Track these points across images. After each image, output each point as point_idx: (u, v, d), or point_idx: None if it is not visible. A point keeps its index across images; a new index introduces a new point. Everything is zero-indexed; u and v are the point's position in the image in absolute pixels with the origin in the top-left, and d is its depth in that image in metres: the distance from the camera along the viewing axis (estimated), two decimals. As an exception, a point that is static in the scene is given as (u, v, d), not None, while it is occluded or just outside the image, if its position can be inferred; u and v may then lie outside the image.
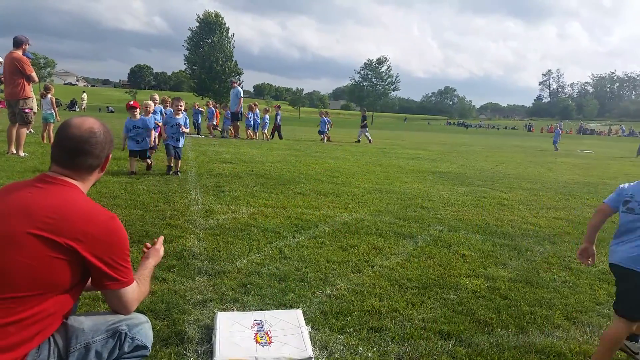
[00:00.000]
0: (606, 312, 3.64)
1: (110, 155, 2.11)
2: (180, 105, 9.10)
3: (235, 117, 19.19)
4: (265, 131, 20.22)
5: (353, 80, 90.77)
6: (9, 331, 1.65)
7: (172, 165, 8.92)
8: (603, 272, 4.56)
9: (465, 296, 3.78)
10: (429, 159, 15.83)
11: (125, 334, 1.94)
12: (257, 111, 19.78)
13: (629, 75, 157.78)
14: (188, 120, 8.80)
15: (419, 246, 5.08)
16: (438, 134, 41.62)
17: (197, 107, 21.54)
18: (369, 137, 22.85)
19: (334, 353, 2.82)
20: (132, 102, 9.18)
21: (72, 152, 1.93)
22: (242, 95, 18.99)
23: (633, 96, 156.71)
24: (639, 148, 24.82)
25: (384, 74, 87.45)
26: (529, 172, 13.18)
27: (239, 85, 20.16)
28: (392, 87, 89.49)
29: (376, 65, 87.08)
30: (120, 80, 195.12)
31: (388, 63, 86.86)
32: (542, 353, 2.95)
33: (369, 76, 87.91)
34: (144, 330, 2.03)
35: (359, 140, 22.90)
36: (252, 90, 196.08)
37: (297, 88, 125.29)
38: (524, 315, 3.48)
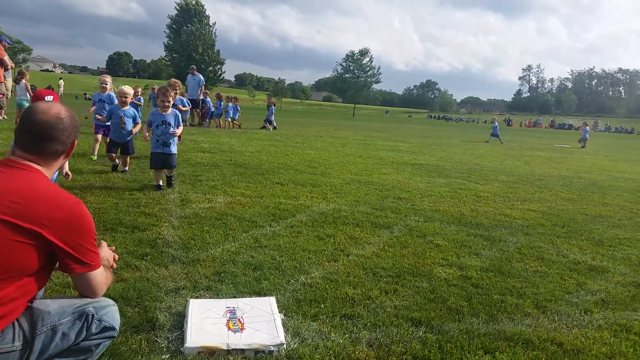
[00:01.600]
0: (575, 301, 3.73)
1: (76, 142, 2.09)
2: (169, 99, 6.60)
3: (196, 105, 18.66)
4: (236, 120, 20.11)
5: (336, 72, 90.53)
6: None
7: (160, 183, 6.54)
8: (573, 263, 4.66)
9: (438, 284, 3.83)
10: (409, 151, 15.93)
11: (93, 315, 1.95)
12: (222, 100, 20.13)
13: (606, 72, 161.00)
14: (179, 117, 6.64)
15: (395, 236, 5.13)
16: (419, 127, 41.90)
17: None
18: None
19: (306, 339, 2.83)
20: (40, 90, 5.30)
21: (38, 138, 1.92)
22: (203, 82, 18.68)
23: (610, 92, 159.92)
24: (580, 139, 26.18)
25: (365, 65, 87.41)
26: (506, 165, 13.36)
27: (224, 73, 20.75)
28: (374, 79, 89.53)
29: (358, 56, 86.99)
30: (98, 67, 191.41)
31: (370, 55, 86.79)
32: (511, 340, 3.01)
33: (351, 68, 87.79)
34: (111, 312, 2.04)
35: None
36: (233, 79, 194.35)
37: (279, 78, 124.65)
38: (495, 304, 3.54)
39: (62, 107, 2.02)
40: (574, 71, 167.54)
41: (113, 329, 2.03)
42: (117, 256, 2.42)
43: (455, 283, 3.90)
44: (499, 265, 4.42)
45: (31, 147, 1.92)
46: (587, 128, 27.83)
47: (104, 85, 8.89)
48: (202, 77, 18.45)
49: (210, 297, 3.29)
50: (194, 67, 19.42)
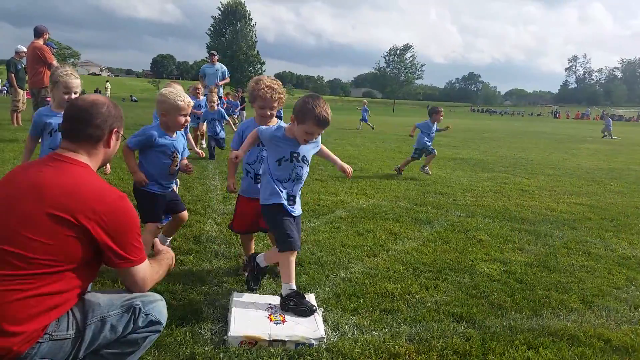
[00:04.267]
0: (624, 297, 3.60)
1: (119, 131, 2.12)
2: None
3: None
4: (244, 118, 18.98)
5: (377, 67, 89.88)
6: (29, 304, 1.74)
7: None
8: (622, 257, 4.49)
9: (480, 280, 3.77)
10: (451, 145, 15.67)
11: (140, 309, 2.00)
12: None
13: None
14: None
15: (436, 231, 5.08)
16: (462, 120, 41.07)
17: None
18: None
19: (346, 333, 2.86)
20: None
21: (73, 121, 2.01)
22: (228, 74, 13.67)
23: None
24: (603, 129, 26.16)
25: (407, 61, 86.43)
26: (552, 159, 12.95)
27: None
28: (415, 74, 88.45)
29: (401, 51, 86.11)
30: (143, 70, 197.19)
31: (413, 50, 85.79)
32: (556, 336, 2.94)
33: (394, 63, 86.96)
34: (158, 307, 2.08)
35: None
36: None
37: (318, 76, 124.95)
38: (539, 299, 3.46)
39: (101, 97, 2.12)
40: (624, 60, 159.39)
41: (159, 323, 2.08)
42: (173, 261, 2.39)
43: (499, 278, 3.83)
44: (544, 260, 4.31)
45: (69, 133, 2.01)
46: (610, 119, 28.39)
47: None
48: (225, 68, 13.42)
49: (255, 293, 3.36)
50: (215, 53, 13.84)
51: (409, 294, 3.46)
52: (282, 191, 3.05)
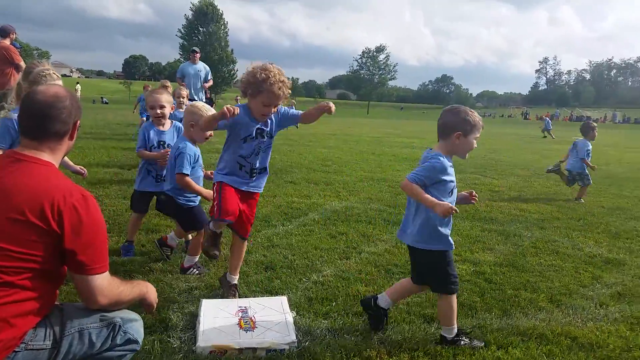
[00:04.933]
0: (590, 295, 3.68)
1: (79, 123, 2.03)
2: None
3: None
4: None
5: (351, 69, 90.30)
6: (4, 310, 1.68)
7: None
8: (589, 256, 4.59)
9: (451, 281, 3.80)
10: (424, 147, 15.80)
11: (120, 326, 1.94)
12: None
13: (626, 61, 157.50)
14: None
15: (408, 233, 5.10)
16: (434, 123, 41.65)
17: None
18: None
19: (318, 337, 2.84)
20: None
21: (38, 118, 1.88)
22: (210, 76, 11.54)
23: (630, 83, 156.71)
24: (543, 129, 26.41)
25: (381, 62, 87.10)
26: (522, 159, 13.21)
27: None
28: (389, 76, 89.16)
29: (374, 53, 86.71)
30: (114, 71, 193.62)
31: (387, 52, 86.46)
32: (524, 335, 2.98)
33: (367, 65, 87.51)
34: (136, 326, 2.03)
35: None
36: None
37: (292, 77, 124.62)
38: (508, 299, 3.51)
39: (61, 88, 1.99)
40: (592, 62, 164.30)
41: (136, 342, 2.03)
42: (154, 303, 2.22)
43: (469, 279, 3.87)
44: (512, 260, 4.38)
45: (32, 131, 1.89)
46: (548, 119, 28.83)
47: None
48: (208, 68, 11.43)
49: (222, 297, 3.32)
50: (197, 50, 11.59)
51: (380, 296, 3.46)
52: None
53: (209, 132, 3.55)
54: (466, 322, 3.12)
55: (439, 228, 2.76)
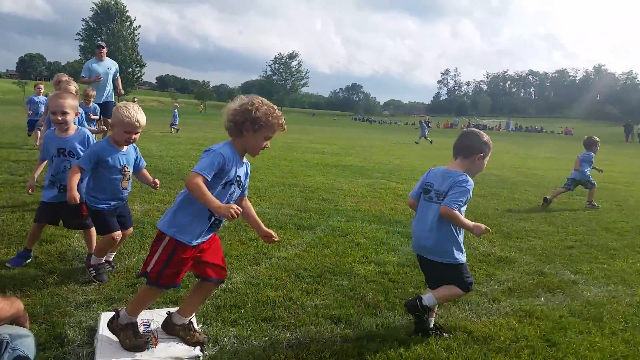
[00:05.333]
0: (484, 291, 3.97)
1: None
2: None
3: (106, 111, 10.39)
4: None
5: (264, 74, 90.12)
6: None
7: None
8: (483, 255, 4.95)
9: (357, 282, 3.93)
10: (334, 153, 16.19)
11: (7, 342, 1.86)
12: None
13: (519, 74, 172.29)
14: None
15: (318, 236, 5.20)
16: (344, 129, 42.70)
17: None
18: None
19: (225, 346, 2.80)
20: None
21: None
22: (118, 75, 10.60)
23: (522, 94, 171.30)
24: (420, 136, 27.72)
25: (294, 69, 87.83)
26: (424, 165, 13.92)
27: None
28: (301, 82, 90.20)
29: (287, 60, 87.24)
30: (7, 70, 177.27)
31: (299, 59, 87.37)
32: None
33: (280, 70, 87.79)
34: (26, 342, 1.95)
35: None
36: (155, 82, 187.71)
37: (203, 81, 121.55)
38: (410, 297, 3.68)
39: None
40: (489, 74, 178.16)
41: (27, 358, 1.93)
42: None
43: (374, 279, 4.02)
44: (414, 260, 4.58)
45: None
46: (425, 124, 31.10)
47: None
48: (116, 64, 10.63)
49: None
50: (103, 45, 10.46)
51: (290, 300, 3.49)
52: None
53: (133, 136, 3.48)
54: (371, 320, 3.24)
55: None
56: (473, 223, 3.00)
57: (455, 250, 3.08)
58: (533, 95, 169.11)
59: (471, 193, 3.07)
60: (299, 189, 8.20)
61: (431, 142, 26.91)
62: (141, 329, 2.79)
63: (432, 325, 3.14)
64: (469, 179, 3.08)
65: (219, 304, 3.35)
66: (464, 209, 3.06)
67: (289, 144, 18.71)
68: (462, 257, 3.11)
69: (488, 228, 3.03)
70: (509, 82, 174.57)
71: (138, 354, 2.57)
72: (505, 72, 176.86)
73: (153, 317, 2.95)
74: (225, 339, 2.88)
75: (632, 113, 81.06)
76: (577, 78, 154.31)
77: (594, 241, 5.80)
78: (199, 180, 2.40)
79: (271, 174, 9.81)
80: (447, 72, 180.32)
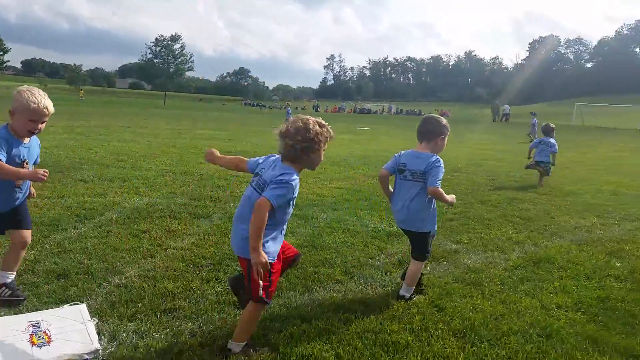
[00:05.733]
0: (377, 265, 4.22)
1: None
2: None
3: None
4: None
5: (144, 57, 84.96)
6: None
7: None
8: (374, 231, 5.24)
9: (258, 266, 3.97)
10: (225, 139, 15.93)
11: None
12: None
13: (398, 60, 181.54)
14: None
15: (215, 224, 5.14)
16: (234, 115, 41.99)
17: None
18: None
19: (125, 341, 2.71)
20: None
21: None
22: None
23: (401, 79, 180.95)
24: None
25: (177, 52, 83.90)
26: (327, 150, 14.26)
27: None
28: (185, 66, 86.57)
29: (169, 42, 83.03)
30: None
31: (182, 41, 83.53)
32: (324, 306, 3.31)
33: (162, 54, 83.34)
34: None
35: None
36: (20, 66, 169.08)
37: (74, 64, 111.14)
38: (309, 276, 3.82)
39: None
40: (371, 60, 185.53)
41: None
42: None
43: (274, 262, 4.09)
44: (312, 240, 4.76)
45: None
46: (289, 109, 30.73)
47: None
48: None
49: (8, 314, 2.91)
50: None
51: (190, 290, 3.45)
52: None
53: (40, 126, 2.96)
54: (273, 302, 3.30)
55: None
56: (450, 197, 3.45)
57: (426, 221, 3.48)
58: (411, 80, 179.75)
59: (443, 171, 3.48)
60: (192, 176, 7.99)
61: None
62: (30, 330, 2.60)
63: (412, 294, 3.54)
64: (439, 158, 3.47)
65: (114, 299, 3.21)
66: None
67: (177, 131, 18.03)
68: (432, 228, 3.53)
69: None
70: (389, 68, 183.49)
71: (30, 355, 2.40)
72: (386, 58, 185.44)
73: (42, 318, 2.76)
74: (124, 334, 2.78)
75: (499, 95, 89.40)
76: (450, 63, 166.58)
77: (471, 213, 6.40)
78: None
79: (159, 162, 9.42)
80: (332, 57, 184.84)
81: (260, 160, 2.91)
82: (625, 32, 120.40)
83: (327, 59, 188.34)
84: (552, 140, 9.20)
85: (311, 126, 2.68)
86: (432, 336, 2.99)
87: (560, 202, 7.43)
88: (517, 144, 21.04)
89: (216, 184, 7.39)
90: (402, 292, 3.52)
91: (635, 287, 3.93)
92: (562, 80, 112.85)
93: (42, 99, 2.90)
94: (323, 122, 2.79)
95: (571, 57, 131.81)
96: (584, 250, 4.88)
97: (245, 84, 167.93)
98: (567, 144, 21.98)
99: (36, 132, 2.99)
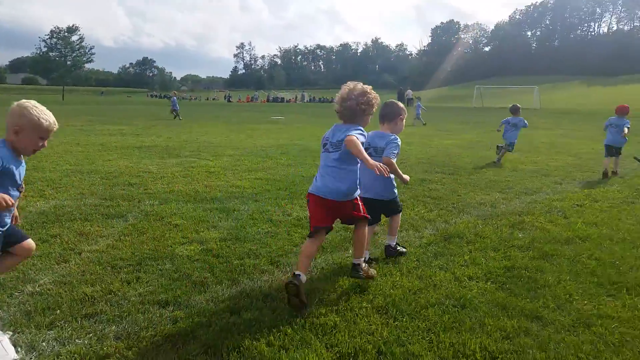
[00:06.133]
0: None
1: None
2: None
3: None
4: None
5: (38, 50, 78.28)
6: None
7: None
8: (297, 219, 5.33)
9: (181, 263, 3.92)
10: (133, 133, 15.24)
11: None
12: None
13: (308, 48, 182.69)
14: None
15: (130, 224, 4.96)
16: (143, 108, 40.12)
17: None
18: None
19: (45, 350, 2.59)
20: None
21: None
22: None
23: (312, 67, 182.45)
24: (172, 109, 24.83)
25: (75, 44, 78.20)
26: (232, 140, 14.10)
27: None
28: (85, 58, 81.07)
29: (66, 34, 77.09)
30: None
31: (80, 33, 77.92)
32: (251, 297, 3.34)
33: (59, 46, 77.24)
34: None
35: None
36: None
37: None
38: (235, 268, 3.84)
39: None
40: (282, 48, 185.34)
41: None
42: None
43: (198, 258, 4.06)
44: (235, 233, 4.76)
45: None
46: (175, 98, 26.11)
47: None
48: None
49: None
50: None
51: (110, 293, 3.34)
52: None
53: (44, 144, 2.76)
54: (199, 298, 3.30)
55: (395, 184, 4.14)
56: (405, 175, 3.96)
57: (394, 189, 4.11)
58: (322, 68, 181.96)
59: (399, 149, 3.98)
60: (100, 175, 7.61)
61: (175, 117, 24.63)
62: None
63: (398, 246, 4.29)
64: (397, 137, 4.00)
65: (29, 308, 3.04)
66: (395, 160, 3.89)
67: (80, 127, 16.97)
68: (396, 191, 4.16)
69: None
70: (300, 56, 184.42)
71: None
72: (296, 46, 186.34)
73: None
74: (43, 343, 2.66)
75: (404, 81, 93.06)
76: (359, 51, 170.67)
77: (384, 196, 6.69)
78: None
79: (64, 162, 8.86)
80: (242, 45, 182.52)
81: (326, 135, 3.54)
82: (518, 16, 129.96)
83: (237, 47, 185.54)
84: (520, 118, 10.69)
85: (368, 90, 3.45)
86: (357, 315, 3.14)
87: (465, 181, 7.98)
88: (423, 125, 22.17)
89: (128, 182, 7.10)
90: (389, 242, 4.23)
91: (536, 255, 4.36)
92: (463, 64, 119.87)
93: (50, 115, 2.77)
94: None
95: (470, 41, 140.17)
96: (490, 224, 5.31)
97: (151, 74, 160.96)
98: (468, 125, 23.49)
99: (38, 150, 2.81)
